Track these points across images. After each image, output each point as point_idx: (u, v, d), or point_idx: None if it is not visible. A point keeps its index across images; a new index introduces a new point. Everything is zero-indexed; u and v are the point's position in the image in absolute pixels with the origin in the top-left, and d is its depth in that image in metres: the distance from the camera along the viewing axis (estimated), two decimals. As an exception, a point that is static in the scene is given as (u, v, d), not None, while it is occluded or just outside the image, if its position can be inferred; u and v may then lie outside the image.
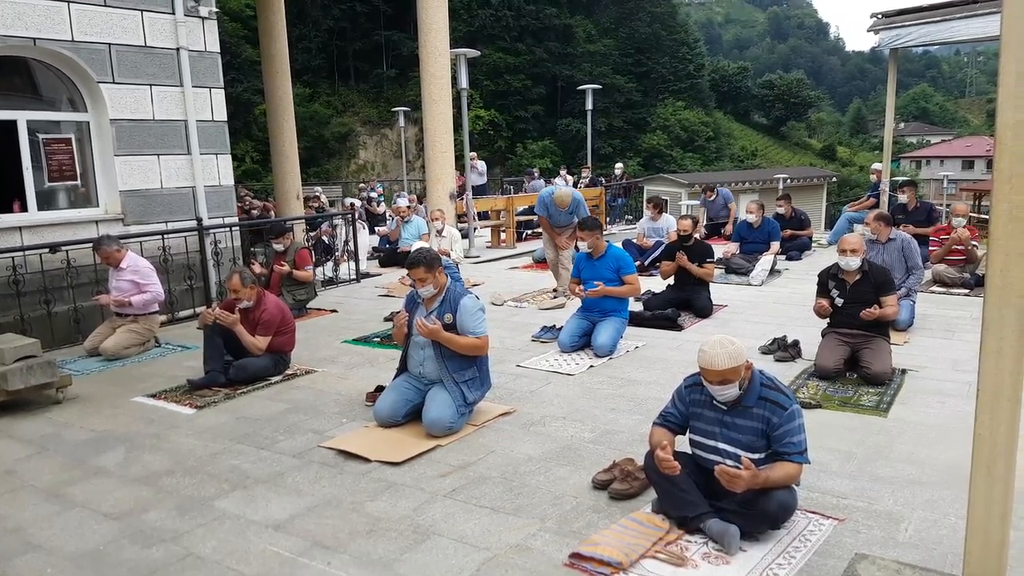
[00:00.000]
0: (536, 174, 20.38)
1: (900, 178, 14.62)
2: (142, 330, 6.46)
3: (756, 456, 2.95)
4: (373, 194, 18.55)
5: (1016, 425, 2.02)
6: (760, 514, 2.91)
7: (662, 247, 8.89)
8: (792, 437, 2.93)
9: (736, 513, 2.93)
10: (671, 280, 7.45)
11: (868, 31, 12.12)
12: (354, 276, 9.82)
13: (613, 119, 50.61)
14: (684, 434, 3.24)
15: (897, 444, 3.91)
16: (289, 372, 5.64)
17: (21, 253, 6.53)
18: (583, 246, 6.14)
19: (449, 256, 9.34)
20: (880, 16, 12.06)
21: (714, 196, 12.65)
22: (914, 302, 6.40)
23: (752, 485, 2.81)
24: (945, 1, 11.36)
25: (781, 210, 10.58)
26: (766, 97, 70.13)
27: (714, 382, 2.97)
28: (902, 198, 9.30)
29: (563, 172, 19.24)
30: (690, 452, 3.19)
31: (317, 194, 17.21)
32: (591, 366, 5.56)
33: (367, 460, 3.91)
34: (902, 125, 74.66)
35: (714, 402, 3.07)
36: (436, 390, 4.32)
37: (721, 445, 3.05)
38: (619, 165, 20.43)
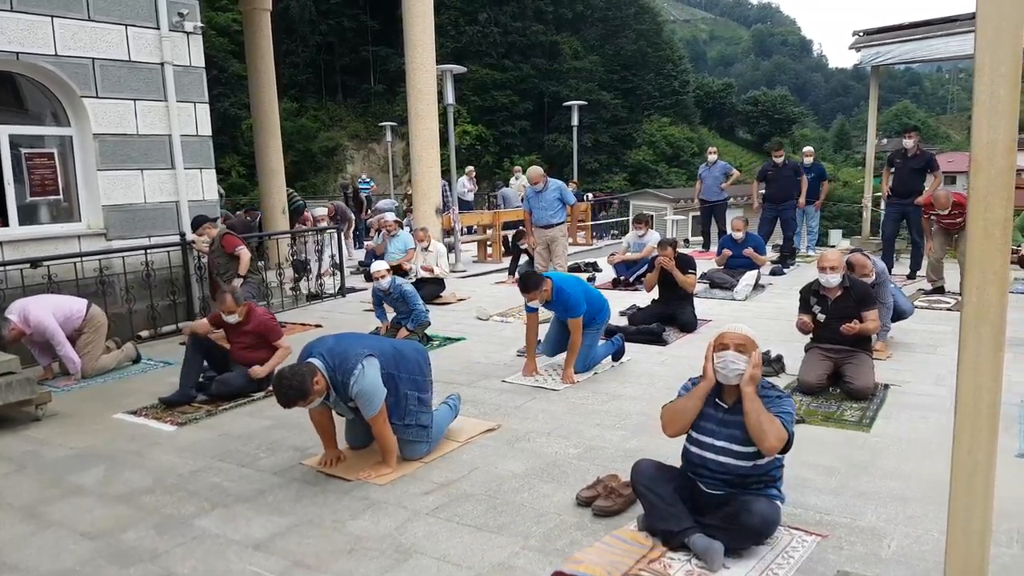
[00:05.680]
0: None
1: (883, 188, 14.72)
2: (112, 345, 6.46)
3: (751, 450, 2.97)
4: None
5: (995, 441, 2.03)
6: (743, 529, 2.91)
7: (647, 262, 8.91)
8: (782, 408, 3.00)
9: (720, 529, 2.93)
10: (655, 295, 7.46)
11: (850, 48, 12.30)
12: (338, 290, 9.79)
13: (599, 135, 50.98)
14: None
15: (880, 459, 3.92)
16: (271, 388, 5.59)
17: (2, 268, 6.47)
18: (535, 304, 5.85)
19: (433, 272, 9.34)
20: (861, 34, 12.25)
21: (716, 158, 12.54)
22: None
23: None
24: (924, 20, 11.56)
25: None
26: (750, 113, 70.84)
27: (731, 346, 3.03)
28: (907, 143, 9.25)
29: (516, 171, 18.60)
30: (684, 448, 3.19)
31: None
32: (576, 380, 5.55)
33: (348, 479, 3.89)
34: (885, 141, 75.05)
35: (716, 400, 3.11)
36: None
37: (719, 443, 3.07)
38: (589, 195, 20.42)
